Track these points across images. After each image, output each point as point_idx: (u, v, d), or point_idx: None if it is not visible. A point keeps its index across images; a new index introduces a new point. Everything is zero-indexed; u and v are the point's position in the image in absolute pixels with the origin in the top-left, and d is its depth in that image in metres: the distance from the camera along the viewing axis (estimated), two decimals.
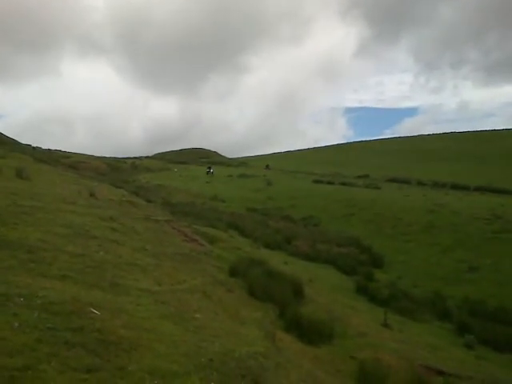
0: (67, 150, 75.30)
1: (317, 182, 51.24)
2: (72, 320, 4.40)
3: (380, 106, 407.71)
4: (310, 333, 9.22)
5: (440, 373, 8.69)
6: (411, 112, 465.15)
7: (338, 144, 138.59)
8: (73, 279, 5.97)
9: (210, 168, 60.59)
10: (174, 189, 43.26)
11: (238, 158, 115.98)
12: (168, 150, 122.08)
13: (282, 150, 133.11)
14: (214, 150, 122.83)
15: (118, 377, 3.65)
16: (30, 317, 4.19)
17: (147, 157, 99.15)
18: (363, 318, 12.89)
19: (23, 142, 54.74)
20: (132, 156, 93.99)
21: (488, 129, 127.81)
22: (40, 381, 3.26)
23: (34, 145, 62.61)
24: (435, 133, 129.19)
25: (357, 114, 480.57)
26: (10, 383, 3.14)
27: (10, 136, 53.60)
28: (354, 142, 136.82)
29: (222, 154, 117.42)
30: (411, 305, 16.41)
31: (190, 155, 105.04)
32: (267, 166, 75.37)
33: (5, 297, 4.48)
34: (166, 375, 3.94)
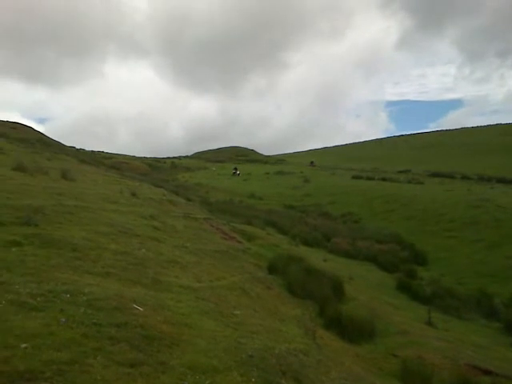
0: (109, 151, 77.72)
1: (356, 177, 50.43)
2: (116, 316, 4.53)
3: (422, 98, 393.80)
4: (351, 330, 9.11)
5: (487, 372, 8.38)
6: (456, 104, 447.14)
7: (378, 139, 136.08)
8: (116, 276, 6.14)
9: (236, 169, 59.52)
10: (212, 187, 43.73)
11: (276, 155, 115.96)
12: (208, 148, 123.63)
13: (320, 147, 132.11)
14: (251, 148, 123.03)
15: (161, 371, 3.73)
16: (76, 312, 4.34)
17: (186, 156, 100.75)
18: (405, 316, 12.61)
19: (69, 144, 56.70)
20: (172, 156, 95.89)
21: None
22: (87, 374, 3.38)
23: (78, 146, 64.76)
24: (480, 125, 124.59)
25: (398, 108, 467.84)
26: (59, 376, 3.26)
27: (56, 138, 55.70)
28: (395, 137, 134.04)
29: (260, 152, 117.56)
30: (456, 303, 15.90)
31: (227, 154, 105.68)
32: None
33: (52, 293, 4.67)
34: (207, 370, 3.99)
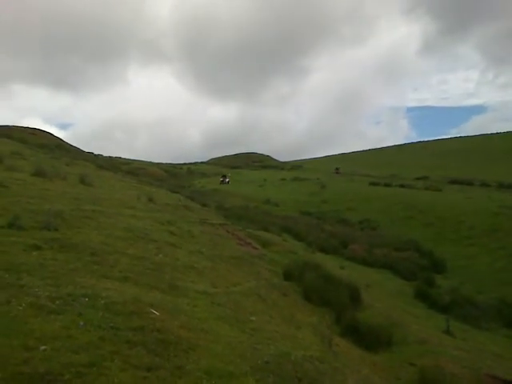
0: (127, 157, 78.71)
1: (374, 184, 50.04)
2: (133, 320, 4.56)
3: (443, 104, 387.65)
4: (368, 338, 9.01)
5: (507, 383, 8.20)
6: (479, 110, 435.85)
7: (396, 145, 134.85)
8: (133, 281, 6.19)
9: (224, 177, 57.60)
10: (228, 193, 43.85)
11: (293, 161, 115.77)
12: (225, 154, 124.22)
13: (338, 153, 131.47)
14: (267, 154, 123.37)
15: (177, 376, 3.74)
16: (94, 316, 4.39)
17: (202, 162, 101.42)
18: (423, 325, 12.43)
19: (89, 149, 57.72)
20: (189, 162, 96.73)
21: None
22: (104, 377, 3.41)
23: (98, 152, 65.67)
24: (500, 131, 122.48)
25: (419, 114, 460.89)
26: (77, 378, 3.30)
27: (77, 144, 56.76)
28: (414, 143, 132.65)
29: (278, 158, 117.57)
30: (475, 312, 15.62)
31: (243, 160, 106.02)
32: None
33: (71, 297, 4.73)
34: (223, 376, 3.99)
